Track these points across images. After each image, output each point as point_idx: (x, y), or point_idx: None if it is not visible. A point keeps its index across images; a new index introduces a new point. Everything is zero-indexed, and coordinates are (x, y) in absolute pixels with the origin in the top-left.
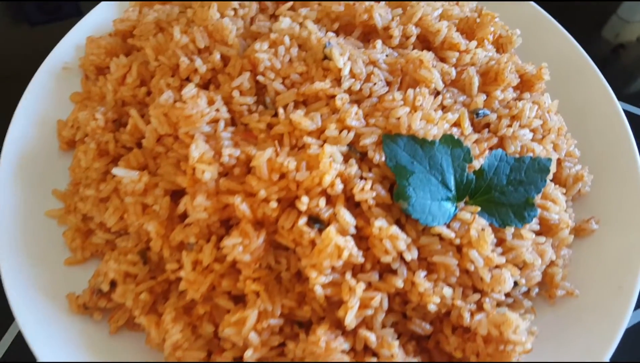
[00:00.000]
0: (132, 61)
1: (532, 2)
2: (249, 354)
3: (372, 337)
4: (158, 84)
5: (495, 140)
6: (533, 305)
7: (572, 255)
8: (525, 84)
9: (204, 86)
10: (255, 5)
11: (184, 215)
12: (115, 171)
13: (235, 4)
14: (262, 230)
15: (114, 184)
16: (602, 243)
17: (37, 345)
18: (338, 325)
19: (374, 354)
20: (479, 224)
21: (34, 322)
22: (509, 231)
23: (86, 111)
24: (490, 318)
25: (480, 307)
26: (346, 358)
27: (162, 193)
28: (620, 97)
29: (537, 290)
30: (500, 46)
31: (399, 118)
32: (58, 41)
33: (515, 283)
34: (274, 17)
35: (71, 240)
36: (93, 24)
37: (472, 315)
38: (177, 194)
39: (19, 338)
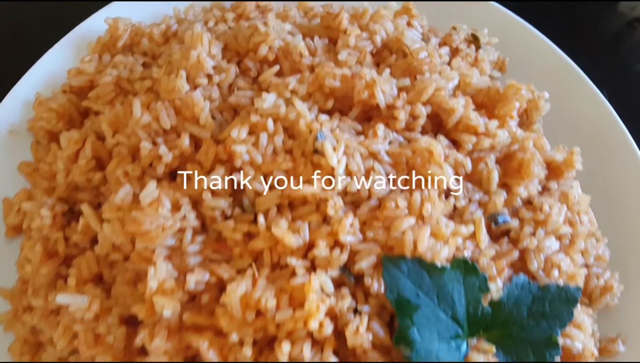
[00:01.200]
0: (86, 133)
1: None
2: None
3: None
4: (114, 173)
5: (515, 254)
6: None
7: None
8: (552, 172)
9: (170, 173)
10: (233, 68)
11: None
12: (60, 299)
13: (209, 69)
14: None
15: None
16: None
17: None
18: None
19: None
20: None
21: None
22: None
23: (32, 202)
24: None
25: None
26: None
27: (116, 321)
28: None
29: None
30: (523, 112)
31: (403, 233)
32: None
33: None
34: (256, 83)
35: (19, 354)
36: (45, 72)
37: None
38: (135, 319)
39: None
